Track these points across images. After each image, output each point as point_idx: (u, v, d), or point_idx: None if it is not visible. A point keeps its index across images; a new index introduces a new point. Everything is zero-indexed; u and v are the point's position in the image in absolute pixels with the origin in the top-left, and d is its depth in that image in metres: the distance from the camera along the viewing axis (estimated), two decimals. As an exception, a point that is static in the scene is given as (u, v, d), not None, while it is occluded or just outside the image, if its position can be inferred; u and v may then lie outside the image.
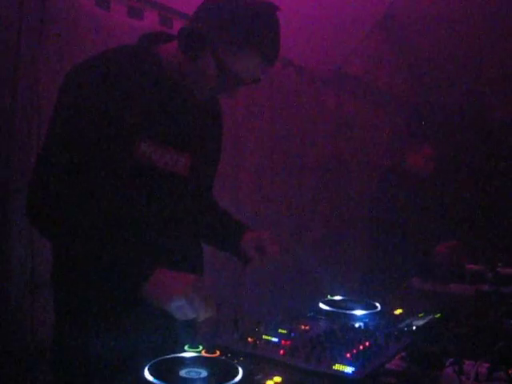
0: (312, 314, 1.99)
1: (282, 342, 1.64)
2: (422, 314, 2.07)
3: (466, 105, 4.79)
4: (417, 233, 3.71)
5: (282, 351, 1.56)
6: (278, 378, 1.36)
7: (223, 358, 1.47)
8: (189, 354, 1.46)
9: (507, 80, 4.75)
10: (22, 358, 2.56)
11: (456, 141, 4.49)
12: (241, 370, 1.35)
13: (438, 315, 2.06)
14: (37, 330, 2.59)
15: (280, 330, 1.73)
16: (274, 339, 1.66)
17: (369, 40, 5.13)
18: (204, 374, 1.32)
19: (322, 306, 2.04)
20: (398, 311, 2.11)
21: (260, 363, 1.47)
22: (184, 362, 1.40)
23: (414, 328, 1.85)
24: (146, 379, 1.27)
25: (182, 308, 1.51)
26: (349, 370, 1.43)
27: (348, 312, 1.99)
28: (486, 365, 1.60)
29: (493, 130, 4.67)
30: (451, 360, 1.62)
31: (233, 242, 2.00)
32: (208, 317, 1.54)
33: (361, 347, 1.60)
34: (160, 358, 1.39)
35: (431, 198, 3.89)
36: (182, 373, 1.32)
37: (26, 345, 2.58)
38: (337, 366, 1.45)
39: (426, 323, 1.96)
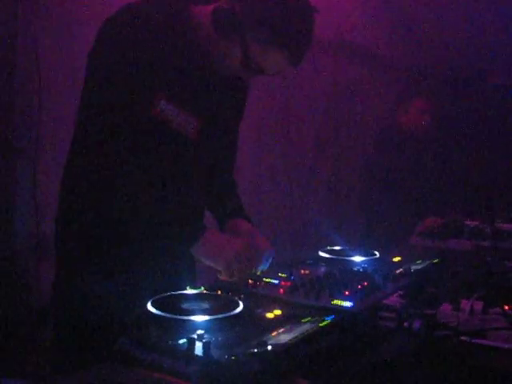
0: (311, 261, 2.02)
1: (282, 283, 1.67)
2: (419, 261, 2.10)
3: (465, 66, 4.78)
4: (414, 192, 3.73)
5: (281, 290, 1.60)
6: (277, 311, 1.40)
7: (224, 294, 1.51)
8: (190, 291, 1.49)
9: (506, 43, 4.74)
10: (26, 318, 2.61)
11: (453, 100, 4.48)
12: (241, 304, 1.38)
13: (436, 260, 2.10)
14: (41, 291, 2.63)
15: (280, 274, 1.76)
16: (274, 281, 1.69)
17: (366, 5, 5.11)
18: (205, 306, 1.36)
19: (321, 253, 2.08)
20: (397, 259, 2.14)
21: (260, 300, 1.51)
22: (186, 298, 1.44)
23: (412, 270, 1.89)
24: (149, 312, 1.31)
25: (229, 268, 1.64)
26: (347, 304, 1.47)
27: (347, 258, 2.02)
28: (481, 303, 1.64)
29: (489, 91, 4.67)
30: (447, 299, 1.66)
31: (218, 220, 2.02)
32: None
33: (359, 286, 1.63)
34: (163, 295, 1.43)
35: (428, 157, 3.89)
36: (184, 306, 1.36)
37: (31, 305, 2.62)
38: (336, 301, 1.48)
39: (424, 267, 1.99)
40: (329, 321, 1.31)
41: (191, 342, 1.14)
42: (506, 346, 1.33)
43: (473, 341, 1.31)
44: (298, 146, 4.41)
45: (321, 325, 1.29)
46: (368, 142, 4.05)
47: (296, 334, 1.21)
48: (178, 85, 1.69)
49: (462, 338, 1.33)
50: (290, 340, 1.17)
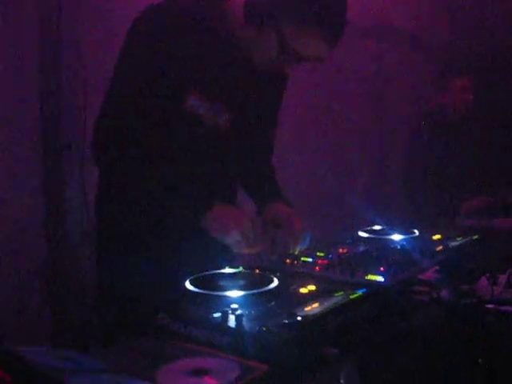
0: (350, 241, 2.04)
1: (319, 261, 1.71)
2: (460, 238, 2.09)
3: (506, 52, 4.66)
4: (457, 174, 3.68)
5: (317, 268, 1.64)
6: (311, 287, 1.44)
7: (260, 272, 1.56)
8: (227, 269, 1.55)
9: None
10: (76, 303, 2.71)
11: (493, 87, 4.38)
12: (276, 280, 1.43)
13: (476, 237, 2.09)
14: (89, 276, 2.73)
15: (318, 253, 1.80)
16: (311, 259, 1.73)
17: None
18: (240, 283, 1.41)
19: (360, 233, 2.10)
20: (437, 236, 2.13)
21: (296, 277, 1.55)
22: (222, 276, 1.50)
23: (450, 246, 1.89)
24: (186, 289, 1.37)
25: (238, 241, 1.64)
26: (380, 278, 1.49)
27: (385, 237, 2.04)
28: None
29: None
30: (485, 274, 1.67)
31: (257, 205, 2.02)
32: (260, 250, 1.68)
33: (394, 262, 1.65)
34: (200, 274, 1.49)
35: (471, 137, 3.82)
36: (220, 283, 1.42)
37: (86, 299, 2.73)
38: (369, 277, 1.51)
39: (463, 243, 1.99)
40: (360, 293, 1.35)
41: (225, 315, 1.20)
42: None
43: (500, 308, 1.32)
44: (342, 130, 4.41)
45: (351, 297, 1.32)
46: (413, 124, 4.00)
47: (326, 306, 1.25)
48: (208, 79, 1.72)
49: (489, 306, 1.34)
50: (320, 311, 1.21)
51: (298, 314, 1.18)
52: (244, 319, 1.18)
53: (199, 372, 1.05)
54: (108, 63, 1.77)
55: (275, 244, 1.76)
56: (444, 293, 1.34)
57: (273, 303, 1.32)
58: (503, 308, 1.34)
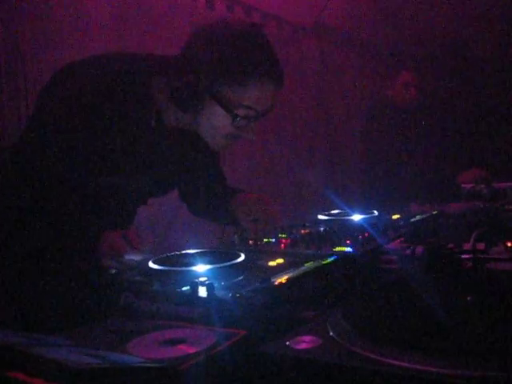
0: (309, 224, 2.01)
1: (282, 240, 1.67)
2: (418, 216, 2.10)
3: (448, 41, 4.79)
4: (410, 161, 3.74)
5: (282, 245, 1.60)
6: (280, 260, 1.40)
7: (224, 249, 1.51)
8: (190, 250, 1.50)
9: (486, 20, 4.74)
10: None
11: (438, 75, 4.49)
12: (243, 255, 1.38)
13: (435, 212, 2.10)
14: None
15: (280, 235, 1.76)
16: (273, 240, 1.69)
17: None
18: (206, 259, 1.36)
19: (320, 216, 2.08)
20: (396, 216, 2.14)
21: (261, 254, 1.50)
22: (186, 255, 1.44)
23: (411, 221, 1.89)
24: (150, 269, 1.31)
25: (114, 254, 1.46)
26: (349, 249, 1.46)
27: (345, 218, 2.02)
28: (483, 244, 1.64)
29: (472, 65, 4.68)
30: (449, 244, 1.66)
31: (224, 210, 1.87)
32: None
33: (360, 236, 1.63)
34: (163, 255, 1.43)
35: (417, 128, 3.89)
36: (185, 260, 1.36)
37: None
38: (337, 248, 1.48)
39: (424, 218, 1.99)
40: (332, 259, 1.31)
41: (194, 287, 1.14)
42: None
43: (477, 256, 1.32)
44: (293, 131, 4.41)
45: (324, 262, 1.28)
46: (361, 118, 4.05)
47: (299, 272, 1.21)
48: (130, 163, 1.59)
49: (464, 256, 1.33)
50: (294, 275, 1.17)
51: (272, 279, 1.13)
52: (215, 290, 1.12)
53: (173, 342, 0.99)
54: (49, 62, 1.68)
55: (258, 222, 1.68)
56: (418, 249, 1.32)
57: (241, 277, 1.26)
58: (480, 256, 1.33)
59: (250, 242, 1.66)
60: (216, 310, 1.08)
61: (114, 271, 1.40)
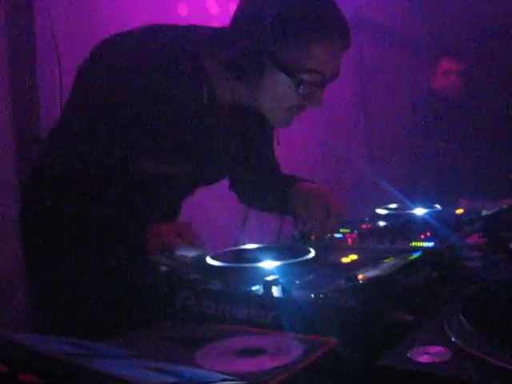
0: (368, 219, 1.84)
1: (347, 235, 1.51)
2: (485, 211, 1.91)
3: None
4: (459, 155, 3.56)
5: (349, 240, 1.43)
6: (353, 256, 1.23)
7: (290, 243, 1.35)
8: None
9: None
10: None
11: (482, 62, 4.28)
12: (312, 250, 1.22)
13: (506, 206, 1.91)
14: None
15: (342, 230, 1.58)
16: (338, 235, 1.52)
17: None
18: (272, 255, 1.19)
19: (378, 211, 1.90)
20: (460, 211, 1.95)
21: (329, 250, 1.34)
22: (248, 251, 1.28)
23: (484, 215, 1.71)
24: (210, 266, 1.15)
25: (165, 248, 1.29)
26: (428, 244, 1.29)
27: (408, 212, 1.85)
28: None
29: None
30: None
31: (280, 200, 1.63)
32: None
33: (432, 232, 1.46)
34: (222, 250, 1.27)
35: (465, 120, 3.70)
36: (248, 257, 1.20)
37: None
38: (414, 243, 1.32)
39: (496, 211, 1.81)
40: (419, 255, 1.14)
41: (267, 286, 0.98)
42: None
43: None
44: (331, 128, 4.24)
45: (411, 258, 1.11)
46: (405, 112, 3.88)
47: (385, 269, 1.04)
48: (172, 145, 1.40)
49: None
50: (383, 273, 1.00)
51: (358, 277, 0.96)
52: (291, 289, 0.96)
53: (250, 352, 0.83)
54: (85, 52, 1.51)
55: (316, 216, 1.46)
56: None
57: (315, 273, 1.10)
58: None
59: (312, 237, 1.49)
60: (295, 314, 0.91)
61: (165, 269, 1.24)
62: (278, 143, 1.63)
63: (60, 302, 1.34)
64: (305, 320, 0.90)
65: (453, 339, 0.71)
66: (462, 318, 0.73)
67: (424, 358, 0.66)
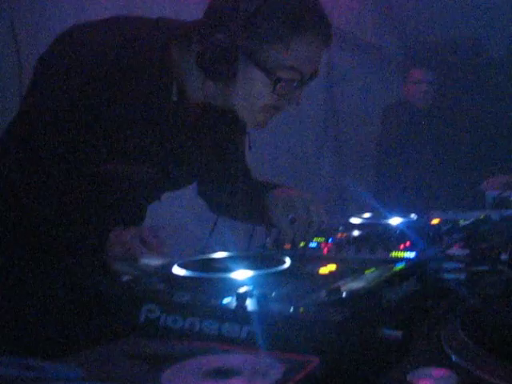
0: (342, 228, 1.76)
1: (322, 245, 1.42)
2: (463, 220, 1.86)
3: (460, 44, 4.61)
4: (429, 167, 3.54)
5: (325, 250, 1.35)
6: (331, 266, 1.15)
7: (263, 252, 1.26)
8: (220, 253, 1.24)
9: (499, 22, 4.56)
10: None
11: (453, 75, 4.30)
12: (288, 260, 1.13)
13: (483, 216, 1.86)
14: None
15: (316, 239, 1.50)
16: (312, 244, 1.44)
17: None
18: (245, 264, 1.10)
19: (352, 220, 1.83)
20: (436, 220, 1.90)
21: (305, 260, 1.25)
22: (217, 260, 1.18)
23: (461, 226, 1.65)
24: (176, 276, 1.05)
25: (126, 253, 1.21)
26: (409, 254, 1.22)
27: (383, 221, 1.78)
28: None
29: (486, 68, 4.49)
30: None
31: (253, 208, 1.55)
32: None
33: (412, 241, 1.38)
34: (189, 258, 1.17)
35: (433, 130, 3.70)
36: (218, 266, 1.10)
37: None
38: (395, 254, 1.24)
39: (472, 222, 1.75)
40: (403, 266, 1.06)
41: (241, 298, 0.88)
42: None
43: None
44: (301, 135, 4.18)
45: (396, 269, 1.03)
46: (375, 121, 3.86)
47: (369, 281, 0.96)
48: (133, 141, 1.30)
49: None
50: (367, 285, 0.92)
51: (342, 290, 0.88)
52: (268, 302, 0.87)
53: (223, 372, 0.73)
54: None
55: (297, 223, 1.39)
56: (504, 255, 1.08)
57: (292, 284, 1.01)
58: None
59: (286, 246, 1.40)
60: (272, 329, 0.82)
61: (128, 278, 1.14)
62: (250, 148, 1.54)
63: (6, 315, 1.22)
64: (283, 336, 0.81)
65: (454, 359, 0.62)
66: (463, 335, 0.65)
67: (426, 382, 0.58)
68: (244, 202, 1.56)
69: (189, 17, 1.36)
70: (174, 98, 1.28)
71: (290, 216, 1.38)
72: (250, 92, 1.26)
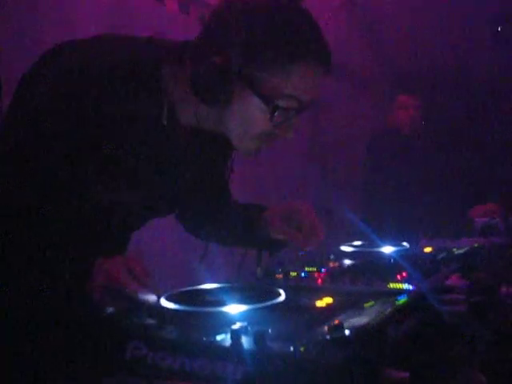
0: (333, 256, 1.71)
1: (315, 274, 1.37)
2: (456, 249, 1.82)
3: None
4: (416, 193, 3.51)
5: (319, 280, 1.30)
6: (328, 299, 1.09)
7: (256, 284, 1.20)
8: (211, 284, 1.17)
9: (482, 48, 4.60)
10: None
11: (438, 102, 4.31)
12: (282, 292, 1.07)
13: (476, 245, 1.82)
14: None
15: (307, 268, 1.45)
16: (304, 274, 1.39)
17: (335, 20, 4.94)
18: (237, 297, 1.04)
19: (343, 248, 1.77)
20: (428, 249, 1.85)
21: (299, 291, 1.19)
22: (208, 291, 1.12)
23: (457, 254, 1.61)
24: (164, 309, 0.99)
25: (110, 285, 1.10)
26: (408, 286, 1.17)
27: (375, 250, 1.73)
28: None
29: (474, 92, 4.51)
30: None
31: (246, 229, 1.50)
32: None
33: (408, 271, 1.33)
34: (178, 290, 1.11)
35: (421, 157, 3.69)
36: (209, 298, 1.04)
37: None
38: (392, 285, 1.19)
39: (467, 250, 1.71)
40: (405, 299, 1.01)
41: (236, 335, 0.82)
42: None
43: None
44: (286, 161, 4.15)
45: (398, 303, 0.98)
46: (360, 147, 3.85)
47: (371, 317, 0.90)
48: (120, 167, 1.23)
49: None
50: (371, 321, 0.86)
51: (344, 326, 0.82)
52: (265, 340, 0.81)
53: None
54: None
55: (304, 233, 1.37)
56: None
57: (285, 322, 0.95)
58: None
59: (277, 276, 1.35)
60: (270, 370, 0.76)
61: (112, 311, 1.06)
62: (232, 171, 1.49)
63: None
64: (282, 378, 0.75)
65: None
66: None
67: None
68: (231, 226, 1.50)
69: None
70: (164, 122, 1.22)
71: (292, 225, 1.35)
72: (246, 119, 1.19)
